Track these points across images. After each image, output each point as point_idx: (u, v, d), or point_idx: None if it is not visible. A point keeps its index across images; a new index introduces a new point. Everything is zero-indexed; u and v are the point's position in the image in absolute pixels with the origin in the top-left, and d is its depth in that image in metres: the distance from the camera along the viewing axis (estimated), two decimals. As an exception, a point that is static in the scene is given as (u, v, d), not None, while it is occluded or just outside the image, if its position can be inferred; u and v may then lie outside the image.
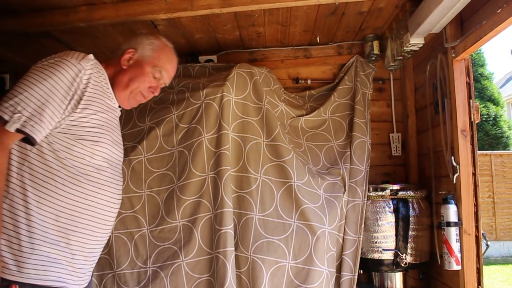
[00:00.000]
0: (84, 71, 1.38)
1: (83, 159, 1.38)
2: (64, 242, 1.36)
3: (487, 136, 10.14)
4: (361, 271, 2.20)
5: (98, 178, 1.42)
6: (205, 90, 2.10)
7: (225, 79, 2.13)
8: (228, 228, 1.92)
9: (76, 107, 1.36)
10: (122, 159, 1.59)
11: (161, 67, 1.58)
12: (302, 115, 2.40)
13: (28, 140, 1.29)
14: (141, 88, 1.57)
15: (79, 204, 1.38)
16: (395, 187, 2.18)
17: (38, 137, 1.30)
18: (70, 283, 1.38)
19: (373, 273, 2.23)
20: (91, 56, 1.44)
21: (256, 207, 2.01)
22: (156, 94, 1.61)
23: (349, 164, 2.22)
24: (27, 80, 1.34)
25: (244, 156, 2.08)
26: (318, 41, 2.53)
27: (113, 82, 1.53)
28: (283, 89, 2.49)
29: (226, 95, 2.09)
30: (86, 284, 1.48)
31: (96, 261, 1.52)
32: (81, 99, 1.37)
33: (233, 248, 1.93)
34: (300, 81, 2.63)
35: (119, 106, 1.57)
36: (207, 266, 1.93)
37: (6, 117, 1.26)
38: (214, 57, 2.60)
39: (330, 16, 2.19)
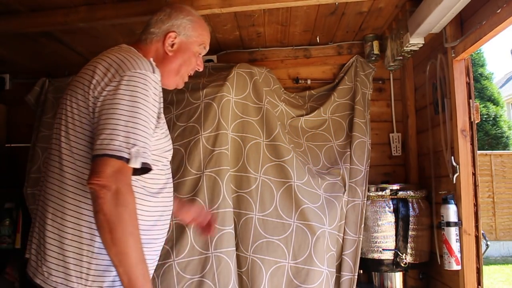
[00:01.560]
0: (158, 84, 1.27)
1: (165, 166, 1.32)
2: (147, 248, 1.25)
3: (487, 136, 10.14)
4: (361, 271, 2.20)
5: (169, 184, 1.37)
6: (205, 90, 2.10)
7: (225, 79, 2.13)
8: (230, 228, 1.92)
9: (156, 125, 1.27)
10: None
11: (205, 43, 1.54)
12: (302, 115, 2.40)
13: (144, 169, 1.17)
14: (189, 70, 1.53)
15: (162, 211, 1.33)
16: (395, 187, 2.18)
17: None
18: None
19: (373, 273, 2.23)
20: (151, 60, 1.33)
21: (256, 207, 2.01)
22: (201, 68, 1.55)
23: (349, 164, 2.22)
24: (119, 109, 1.16)
25: (244, 156, 2.08)
26: (318, 41, 2.53)
27: (158, 68, 1.39)
28: (283, 89, 2.49)
29: (226, 95, 2.09)
30: None
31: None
32: (159, 114, 1.28)
33: (235, 248, 1.93)
34: (300, 81, 2.63)
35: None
36: (199, 267, 1.90)
37: (126, 155, 1.11)
38: (214, 57, 2.59)
39: (330, 16, 2.19)
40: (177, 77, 1.52)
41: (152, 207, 1.28)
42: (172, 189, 1.39)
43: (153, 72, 1.26)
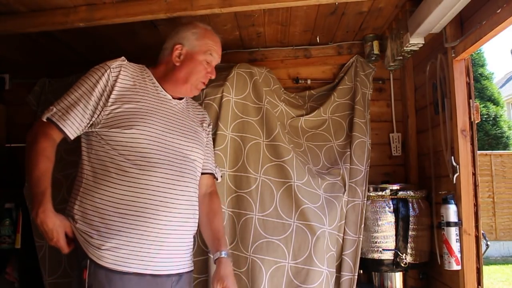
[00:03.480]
0: (111, 69, 1.55)
1: (125, 145, 1.49)
2: (128, 227, 1.44)
3: (487, 136, 10.15)
4: (361, 271, 2.20)
5: (145, 162, 1.49)
6: (204, 90, 2.10)
7: (225, 79, 2.13)
8: None
9: (107, 101, 1.52)
10: (191, 148, 1.65)
11: (211, 50, 1.70)
12: (302, 115, 2.40)
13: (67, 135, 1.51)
14: (200, 78, 1.69)
15: (135, 189, 1.47)
16: (395, 187, 2.18)
17: (67, 129, 1.51)
18: (139, 268, 1.45)
19: (373, 273, 2.23)
20: (122, 58, 1.62)
21: (255, 207, 2.01)
22: (213, 76, 1.74)
23: (349, 164, 2.22)
24: (70, 87, 1.58)
25: (244, 156, 2.08)
26: (318, 41, 2.53)
27: (168, 78, 1.67)
28: (283, 89, 2.49)
29: (226, 95, 2.09)
30: (169, 272, 1.53)
31: (179, 248, 1.56)
32: (111, 92, 1.53)
33: None
34: (300, 81, 2.63)
35: (176, 98, 1.70)
36: (205, 266, 1.92)
37: (45, 111, 1.53)
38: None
39: (330, 16, 2.19)
40: (187, 85, 1.69)
41: (121, 179, 1.47)
42: (165, 170, 1.52)
43: (108, 62, 1.57)
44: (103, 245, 1.43)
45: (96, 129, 1.53)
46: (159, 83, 1.66)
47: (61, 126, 1.50)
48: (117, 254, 1.43)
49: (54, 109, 1.52)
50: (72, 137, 1.53)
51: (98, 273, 1.41)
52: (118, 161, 1.48)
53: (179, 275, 1.57)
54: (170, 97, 1.67)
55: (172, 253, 1.54)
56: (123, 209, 1.45)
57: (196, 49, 1.68)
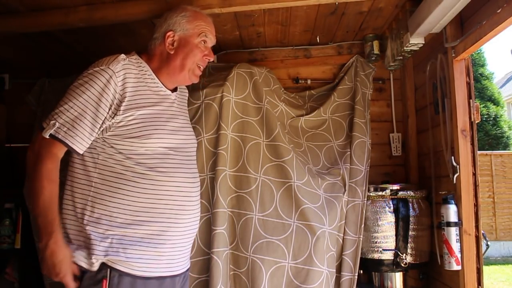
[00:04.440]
0: (116, 74, 1.43)
1: (143, 154, 1.44)
2: (150, 233, 1.42)
3: (487, 136, 10.14)
4: (361, 271, 2.20)
5: (164, 167, 1.46)
6: (204, 90, 2.10)
7: (225, 79, 2.13)
8: (222, 229, 1.93)
9: (118, 109, 1.42)
10: (191, 143, 1.64)
11: (205, 31, 1.61)
12: (302, 115, 2.40)
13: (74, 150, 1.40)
14: (196, 61, 1.60)
15: (155, 195, 1.43)
16: (395, 187, 2.17)
17: (77, 146, 1.39)
18: (162, 272, 1.45)
19: (373, 273, 2.23)
20: (121, 56, 1.48)
21: (255, 207, 2.01)
22: (212, 58, 1.65)
23: (349, 164, 2.21)
24: (67, 94, 1.43)
25: (244, 156, 2.08)
26: (318, 41, 2.53)
27: (163, 69, 1.56)
28: (283, 89, 2.49)
29: (226, 95, 2.09)
30: (181, 270, 1.55)
31: (189, 247, 1.59)
32: (121, 101, 1.43)
33: (226, 249, 1.93)
34: (300, 81, 2.63)
35: (174, 90, 1.63)
36: (206, 267, 1.93)
37: (44, 125, 1.39)
38: (214, 57, 2.59)
39: (330, 16, 2.19)
40: (184, 72, 1.59)
41: (141, 187, 1.43)
42: (182, 173, 1.51)
43: (110, 65, 1.43)
44: (126, 253, 1.39)
45: (105, 136, 1.44)
46: (156, 75, 1.56)
47: (69, 144, 1.38)
48: (141, 260, 1.40)
49: (57, 124, 1.37)
50: (82, 152, 1.42)
51: (122, 281, 1.36)
52: (135, 169, 1.43)
53: (186, 271, 1.60)
54: (169, 92, 1.60)
55: (187, 252, 1.57)
56: (144, 216, 1.42)
57: (189, 32, 1.58)
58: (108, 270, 1.36)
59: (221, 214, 1.94)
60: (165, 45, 1.57)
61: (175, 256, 1.49)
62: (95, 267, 1.37)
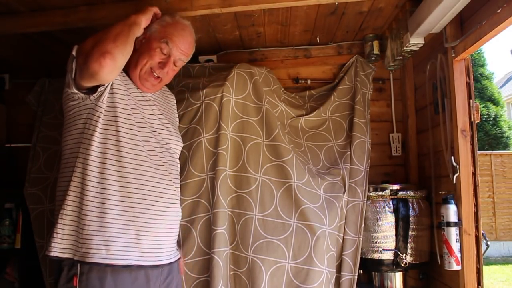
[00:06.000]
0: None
1: (123, 146, 1.47)
2: (127, 220, 1.44)
3: (487, 136, 10.14)
4: (361, 271, 2.20)
5: (137, 160, 1.49)
6: (205, 90, 2.10)
7: (225, 79, 2.13)
8: (222, 229, 1.93)
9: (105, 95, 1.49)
10: (170, 140, 1.66)
11: (167, 38, 1.56)
12: (302, 115, 2.40)
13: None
14: (150, 63, 1.55)
15: (134, 182, 1.47)
16: (395, 187, 2.18)
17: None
18: (135, 260, 1.44)
19: (373, 273, 2.23)
20: None
21: (255, 207, 2.01)
22: (166, 70, 1.58)
23: (349, 164, 2.21)
24: None
25: (244, 156, 2.08)
26: (318, 41, 2.53)
27: (128, 65, 1.52)
28: (283, 89, 2.49)
29: (226, 95, 2.09)
30: (165, 262, 1.54)
31: (172, 239, 1.58)
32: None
33: (226, 249, 1.93)
34: (300, 81, 2.63)
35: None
36: (206, 267, 1.92)
37: None
38: (214, 57, 2.59)
39: (330, 16, 2.19)
40: (137, 71, 1.56)
41: (125, 171, 1.46)
42: (155, 168, 1.53)
43: None
44: (104, 242, 1.41)
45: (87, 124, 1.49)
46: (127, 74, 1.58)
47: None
48: (116, 248, 1.42)
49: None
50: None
51: (92, 272, 1.38)
52: (124, 157, 1.48)
53: (170, 264, 1.59)
54: (144, 93, 1.62)
55: (167, 242, 1.56)
56: (121, 211, 1.45)
57: (155, 34, 1.56)
58: (78, 265, 1.38)
59: (221, 214, 1.94)
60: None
61: (154, 245, 1.49)
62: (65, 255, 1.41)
